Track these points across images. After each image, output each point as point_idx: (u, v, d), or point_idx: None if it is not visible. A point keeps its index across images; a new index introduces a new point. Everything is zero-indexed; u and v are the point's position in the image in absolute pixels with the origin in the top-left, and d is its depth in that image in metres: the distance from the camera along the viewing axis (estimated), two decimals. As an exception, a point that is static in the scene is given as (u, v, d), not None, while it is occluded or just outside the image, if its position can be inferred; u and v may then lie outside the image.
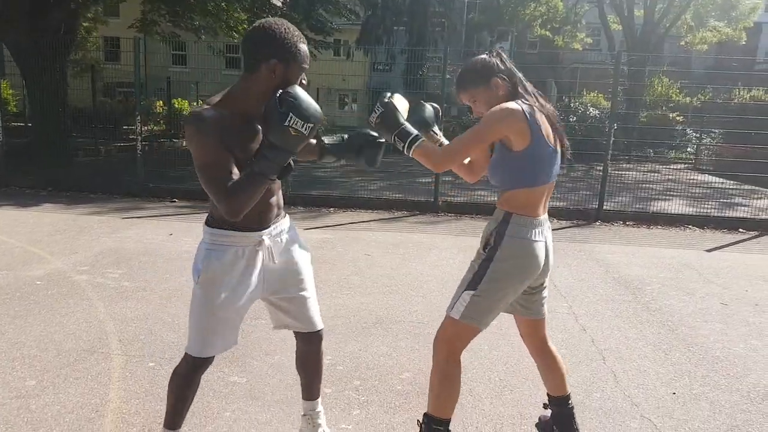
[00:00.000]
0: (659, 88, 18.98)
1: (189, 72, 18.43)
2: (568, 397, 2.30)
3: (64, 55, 10.76)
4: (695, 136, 14.70)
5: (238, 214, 1.75)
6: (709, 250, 6.38)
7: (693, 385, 3.02)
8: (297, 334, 2.20)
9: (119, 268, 4.75)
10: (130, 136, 8.72)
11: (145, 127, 10.42)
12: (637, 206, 8.37)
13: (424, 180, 8.68)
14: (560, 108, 16.72)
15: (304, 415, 2.29)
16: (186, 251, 5.33)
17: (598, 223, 7.73)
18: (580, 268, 5.31)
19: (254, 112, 1.79)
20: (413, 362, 3.15)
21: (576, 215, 7.96)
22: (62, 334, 3.38)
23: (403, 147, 2.02)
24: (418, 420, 2.13)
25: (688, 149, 14.47)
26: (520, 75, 2.08)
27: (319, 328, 2.18)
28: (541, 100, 2.06)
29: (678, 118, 15.79)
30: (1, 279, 4.33)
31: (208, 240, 1.92)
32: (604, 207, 7.95)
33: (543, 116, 2.00)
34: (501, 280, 2.00)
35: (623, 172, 10.81)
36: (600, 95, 17.84)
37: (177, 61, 19.79)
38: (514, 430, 2.51)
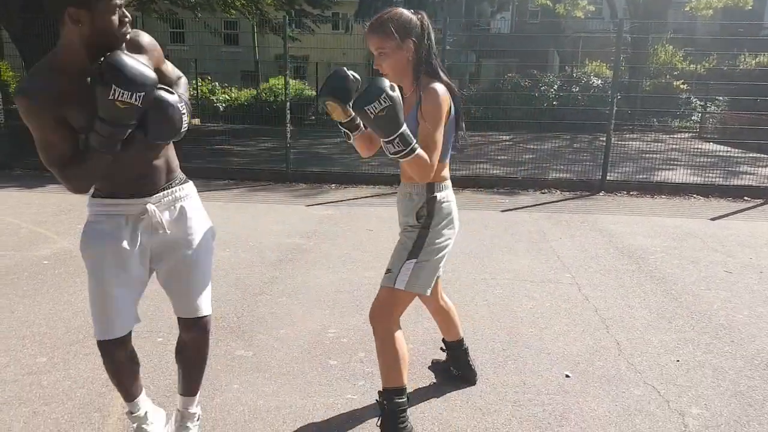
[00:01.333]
0: (663, 55, 18.73)
1: (187, 49, 18.27)
2: (461, 341, 2.63)
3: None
4: (700, 104, 14.57)
5: (81, 190, 1.70)
6: (713, 219, 6.37)
7: (696, 353, 3.04)
8: (179, 320, 1.99)
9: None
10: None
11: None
12: (641, 176, 8.33)
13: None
14: (563, 78, 16.56)
15: (178, 410, 2.14)
16: (190, 229, 5.35)
17: (601, 194, 7.71)
18: (584, 239, 5.32)
19: (87, 64, 1.61)
20: (416, 334, 3.18)
21: (579, 186, 7.94)
22: (70, 311, 3.42)
23: (400, 152, 1.87)
24: (377, 399, 2.16)
25: (693, 118, 14.35)
26: (433, 46, 2.03)
27: (202, 315, 1.96)
28: (446, 75, 2.08)
29: (682, 86, 15.63)
30: (8, 259, 4.37)
31: (89, 213, 1.82)
32: (608, 177, 7.91)
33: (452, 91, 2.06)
34: (439, 243, 2.13)
35: (627, 142, 10.74)
36: (603, 64, 17.64)
37: (175, 39, 19.61)
38: (518, 398, 2.55)
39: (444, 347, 2.67)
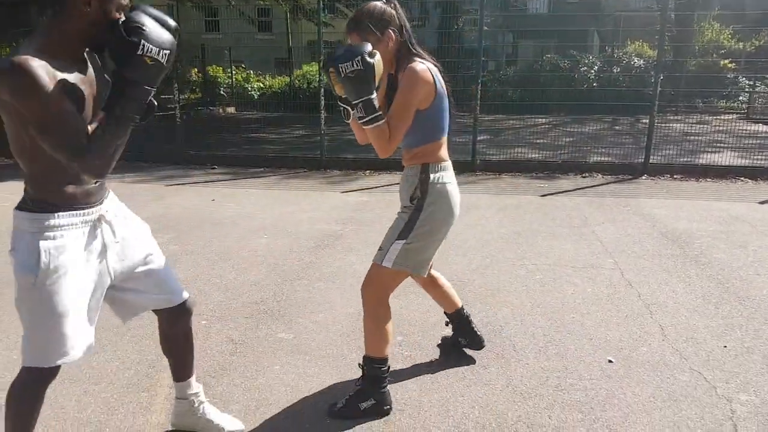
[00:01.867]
0: (709, 33, 18.04)
1: (222, 38, 18.45)
2: (461, 308, 2.67)
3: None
4: (748, 84, 13.98)
5: (105, 170, 1.54)
6: (762, 202, 6.13)
7: (745, 339, 2.94)
8: (161, 312, 1.94)
9: (167, 232, 4.89)
10: (168, 105, 8.81)
11: (182, 96, 10.52)
12: (686, 159, 8.07)
13: (460, 139, 8.54)
14: (603, 59, 16.12)
15: (180, 398, 2.08)
16: (228, 216, 5.44)
17: (644, 177, 7.51)
18: (626, 223, 5.19)
19: (77, 56, 1.56)
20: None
21: (621, 170, 7.74)
22: (117, 296, 3.52)
23: (363, 118, 1.96)
24: (359, 363, 2.30)
25: (740, 98, 13.79)
26: (409, 30, 2.12)
27: (185, 297, 1.94)
28: (429, 56, 2.14)
29: (729, 65, 15.03)
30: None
31: (35, 228, 1.58)
32: (651, 160, 7.70)
33: (437, 70, 2.11)
34: (430, 225, 2.15)
35: (670, 124, 10.41)
36: (645, 44, 17.10)
37: (210, 28, 19.81)
38: (560, 383, 2.51)
39: (447, 321, 2.71)
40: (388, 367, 2.28)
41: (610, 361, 2.72)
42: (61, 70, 1.49)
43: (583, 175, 7.65)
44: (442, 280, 2.63)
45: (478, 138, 8.05)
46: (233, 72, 16.72)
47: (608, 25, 23.88)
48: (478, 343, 2.70)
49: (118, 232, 1.77)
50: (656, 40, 7.97)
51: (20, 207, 1.61)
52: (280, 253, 4.33)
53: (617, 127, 12.00)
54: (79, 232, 1.64)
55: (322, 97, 8.13)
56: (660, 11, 8.02)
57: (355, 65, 1.87)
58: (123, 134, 1.54)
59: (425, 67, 2.04)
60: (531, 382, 2.54)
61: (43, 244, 1.57)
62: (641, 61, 15.24)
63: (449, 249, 4.43)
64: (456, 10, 13.33)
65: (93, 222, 1.68)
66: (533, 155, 8.51)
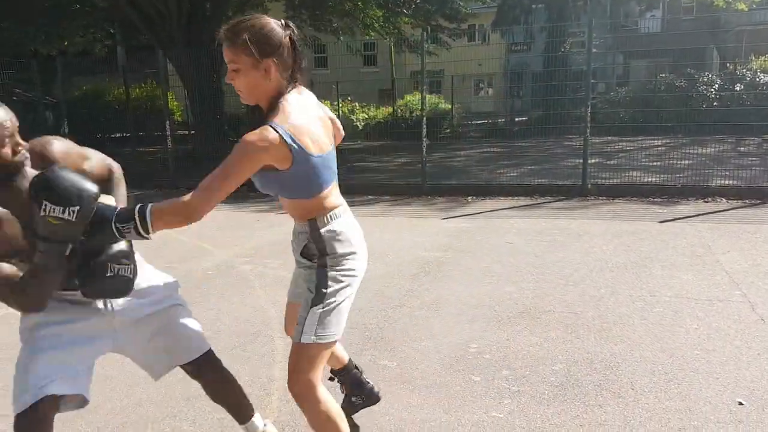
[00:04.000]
0: None
1: (329, 73, 19.30)
2: (348, 363, 2.29)
3: (219, 64, 11.75)
4: None
5: (36, 310, 1.61)
6: None
7: None
8: (187, 367, 2.02)
9: (277, 258, 5.11)
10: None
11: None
12: (827, 181, 7.25)
13: (569, 162, 8.25)
14: (724, 76, 15.02)
15: None
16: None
17: (776, 202, 6.83)
18: (756, 252, 4.72)
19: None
20: (566, 353, 3.01)
21: (749, 194, 7.09)
22: (231, 318, 3.71)
23: (138, 230, 1.54)
24: None
25: None
26: (302, 70, 1.73)
27: (206, 350, 2.01)
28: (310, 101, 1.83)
29: None
30: (176, 270, 4.87)
31: None
32: (784, 183, 7.00)
33: (310, 121, 1.72)
34: (343, 280, 1.81)
35: (806, 143, 9.45)
36: (772, 58, 15.75)
37: (318, 64, 20.83)
38: (683, 425, 2.30)
39: (332, 376, 2.29)
40: None
41: (740, 404, 2.46)
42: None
43: (706, 199, 7.09)
44: None
45: (589, 161, 7.75)
46: (339, 105, 17.41)
47: (729, 42, 22.25)
48: (373, 397, 2.28)
49: (116, 304, 1.85)
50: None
51: None
52: (382, 280, 4.37)
53: (742, 149, 11.07)
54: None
55: (424, 126, 8.22)
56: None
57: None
58: (42, 282, 1.54)
59: (275, 134, 1.59)
60: (651, 424, 2.34)
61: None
62: (768, 78, 14.05)
63: (557, 279, 4.25)
64: (562, 33, 13.03)
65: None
66: (649, 179, 8.03)
